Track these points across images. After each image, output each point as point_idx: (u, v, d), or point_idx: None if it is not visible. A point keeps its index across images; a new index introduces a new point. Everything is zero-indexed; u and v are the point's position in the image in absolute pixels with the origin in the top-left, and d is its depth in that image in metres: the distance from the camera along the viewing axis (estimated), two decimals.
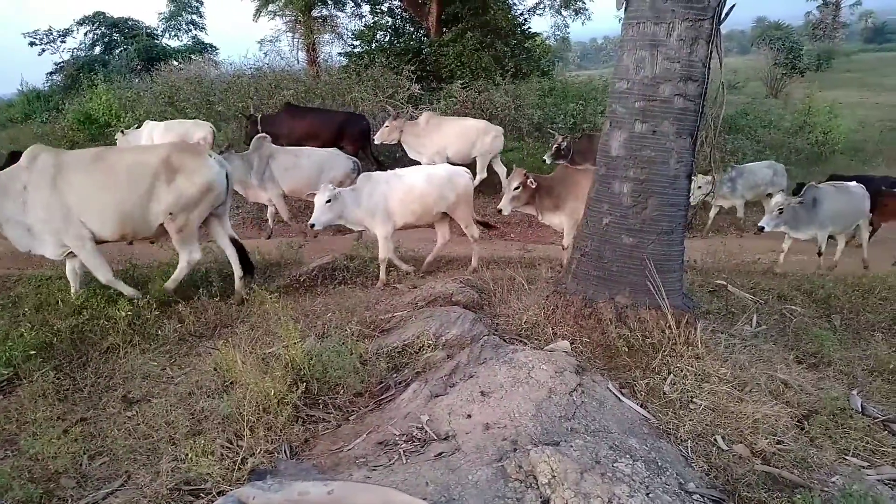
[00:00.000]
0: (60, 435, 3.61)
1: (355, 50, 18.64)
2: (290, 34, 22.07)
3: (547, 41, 20.59)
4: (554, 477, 2.64)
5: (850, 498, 2.83)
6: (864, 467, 3.43)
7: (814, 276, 7.04)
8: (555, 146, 10.30)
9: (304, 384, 3.80)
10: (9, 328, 4.93)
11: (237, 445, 3.38)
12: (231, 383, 3.98)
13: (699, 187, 9.25)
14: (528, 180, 6.42)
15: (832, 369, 4.63)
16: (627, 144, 4.36)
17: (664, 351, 4.12)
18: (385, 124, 10.50)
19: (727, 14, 4.25)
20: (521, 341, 4.53)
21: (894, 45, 58.27)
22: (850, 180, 8.94)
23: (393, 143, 10.64)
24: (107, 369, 4.55)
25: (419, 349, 4.30)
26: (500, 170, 11.09)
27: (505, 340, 4.45)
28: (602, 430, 3.30)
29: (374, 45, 18.18)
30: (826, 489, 3.08)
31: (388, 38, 18.56)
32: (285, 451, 3.33)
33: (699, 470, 3.20)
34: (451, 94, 13.67)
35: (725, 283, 6.25)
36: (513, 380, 3.66)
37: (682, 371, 3.97)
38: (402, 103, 13.16)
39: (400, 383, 3.98)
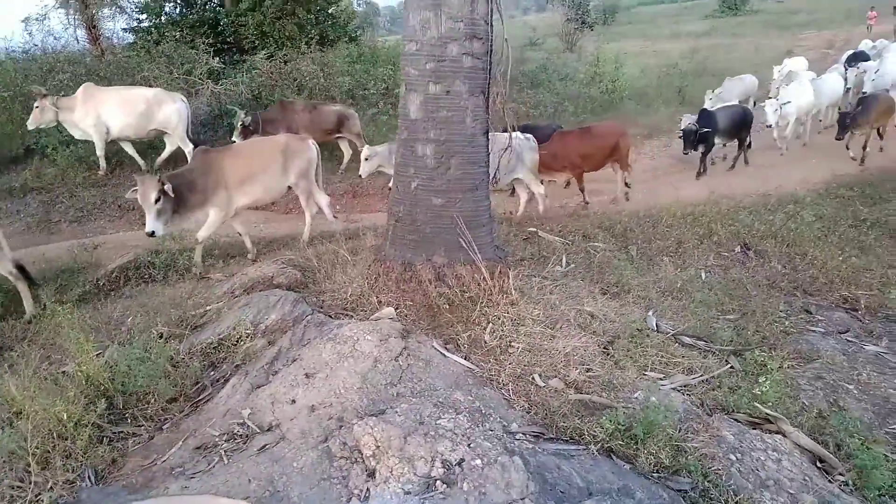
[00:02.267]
0: None
1: (142, 24, 16.83)
2: (62, 10, 19.33)
3: (352, 6, 20.10)
4: (378, 447, 2.62)
5: (648, 410, 3.15)
6: (660, 379, 3.85)
7: (612, 214, 7.73)
8: (239, 124, 9.21)
9: (107, 400, 3.42)
10: None
11: (29, 483, 2.96)
12: (17, 413, 3.47)
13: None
14: (165, 186, 5.40)
15: (631, 295, 5.10)
16: (424, 106, 4.38)
17: (482, 302, 4.27)
18: (35, 106, 8.93)
19: None
20: (346, 315, 4.45)
21: None
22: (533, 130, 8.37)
23: (50, 125, 9.19)
24: None
25: (237, 341, 4.05)
26: (187, 147, 9.60)
27: (330, 317, 4.36)
28: (428, 389, 3.36)
29: (163, 19, 16.55)
30: (629, 405, 3.40)
31: (178, 11, 16.97)
32: (89, 478, 2.97)
33: (520, 409, 3.38)
34: (256, 66, 12.93)
35: (536, 229, 6.65)
36: (338, 356, 3.60)
37: (499, 319, 4.15)
38: (200, 79, 12.16)
39: (218, 380, 3.72)
